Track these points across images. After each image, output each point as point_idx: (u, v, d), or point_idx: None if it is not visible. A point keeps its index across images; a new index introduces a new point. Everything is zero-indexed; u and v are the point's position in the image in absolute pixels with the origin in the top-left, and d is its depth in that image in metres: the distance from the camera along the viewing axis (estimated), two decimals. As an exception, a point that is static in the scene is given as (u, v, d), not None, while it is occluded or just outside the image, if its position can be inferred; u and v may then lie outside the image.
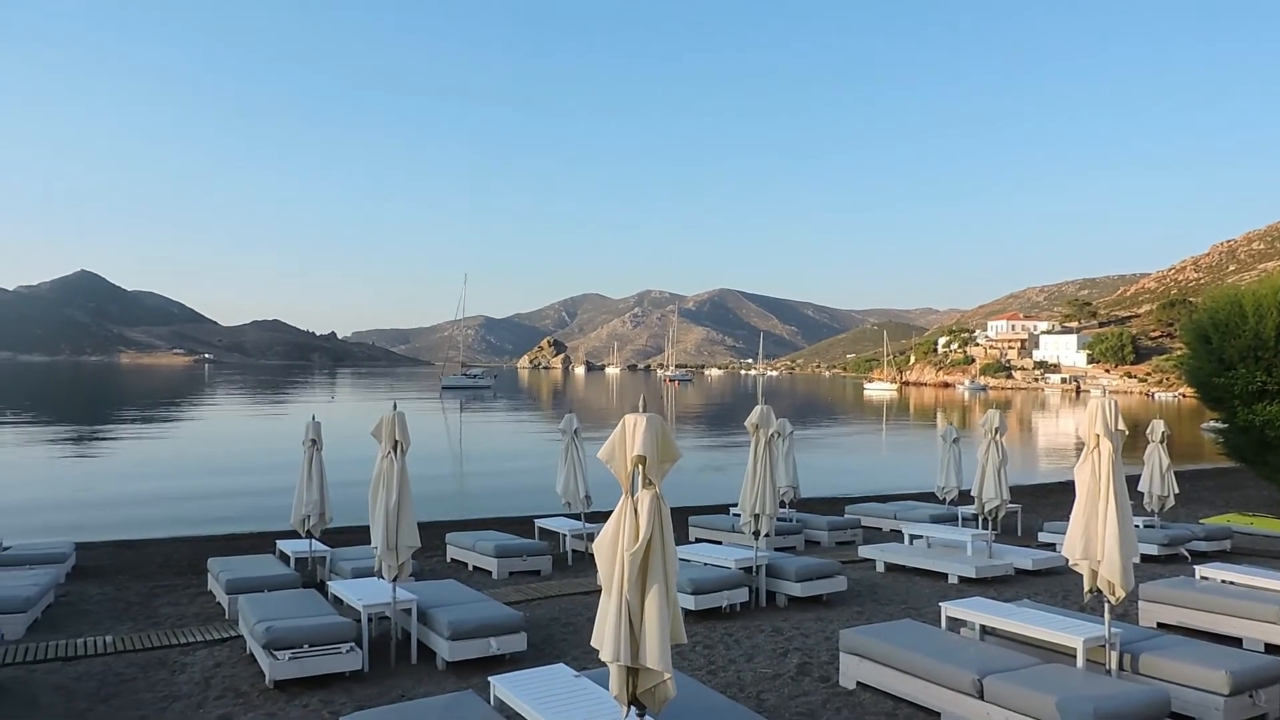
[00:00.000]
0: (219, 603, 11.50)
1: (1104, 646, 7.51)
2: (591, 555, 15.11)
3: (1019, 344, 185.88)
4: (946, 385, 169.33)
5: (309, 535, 12.50)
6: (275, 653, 8.09)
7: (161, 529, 18.16)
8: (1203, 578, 11.04)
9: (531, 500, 20.93)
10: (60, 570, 12.70)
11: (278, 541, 14.31)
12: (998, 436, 14.60)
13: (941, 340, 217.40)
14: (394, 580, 8.86)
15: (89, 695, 8.01)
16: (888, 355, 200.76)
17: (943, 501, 18.19)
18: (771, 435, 11.48)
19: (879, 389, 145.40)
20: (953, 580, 12.96)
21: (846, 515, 18.23)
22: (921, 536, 14.49)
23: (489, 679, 6.78)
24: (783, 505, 16.73)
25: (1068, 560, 7.43)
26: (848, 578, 12.22)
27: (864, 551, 14.41)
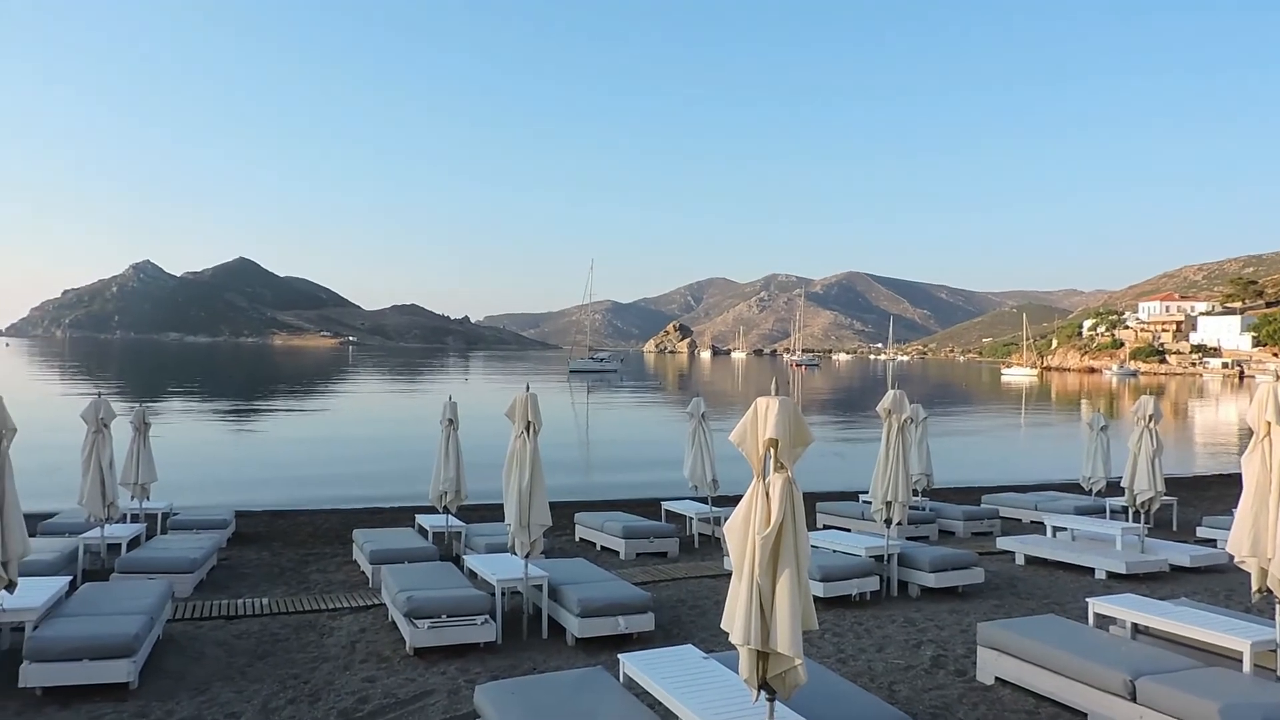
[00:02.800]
0: (363, 572, 12.09)
1: (1275, 651, 6.96)
2: (718, 539, 15.17)
3: (1174, 326, 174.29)
4: (1092, 371, 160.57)
5: (446, 511, 12.98)
6: (416, 621, 8.43)
7: (311, 500, 19.23)
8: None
9: (658, 483, 21.08)
10: (222, 535, 13.63)
11: (417, 516, 14.92)
12: (1151, 424, 13.69)
13: (1087, 323, 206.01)
14: (526, 557, 9.07)
15: (248, 652, 8.57)
16: (1027, 339, 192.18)
17: (1089, 492, 17.29)
18: (904, 421, 11.14)
19: (1018, 374, 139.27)
20: (1100, 576, 12.30)
21: (983, 505, 17.54)
22: (1066, 529, 13.79)
23: (618, 656, 6.85)
24: (915, 493, 16.25)
25: (1232, 557, 6.91)
26: (985, 570, 11.77)
27: (1002, 543, 13.84)
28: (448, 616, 8.52)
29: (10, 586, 7.39)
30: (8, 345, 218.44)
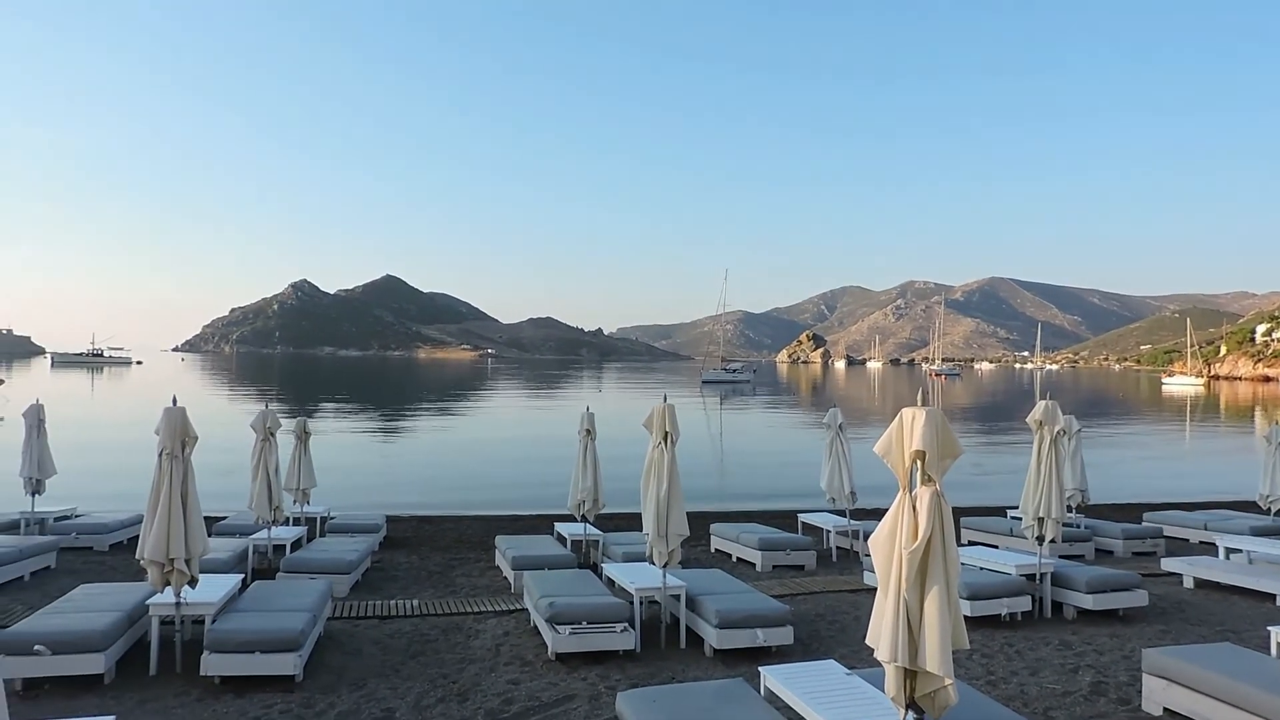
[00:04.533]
0: (505, 577, 12.46)
1: None
2: (857, 553, 14.83)
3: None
4: (1268, 380, 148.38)
5: (584, 519, 13.21)
6: (557, 627, 8.62)
7: (454, 506, 19.96)
8: None
9: (793, 495, 20.82)
10: (375, 539, 14.32)
11: (555, 524, 15.25)
12: (1341, 439, 12.56)
13: (1260, 328, 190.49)
14: (664, 566, 9.13)
15: (401, 651, 8.98)
16: (1191, 346, 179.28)
17: (1266, 512, 15.96)
18: (1057, 433, 10.63)
19: (1181, 384, 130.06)
20: (1282, 603, 11.33)
21: (1145, 523, 16.47)
22: (1241, 550, 12.79)
23: (759, 669, 6.81)
24: (1069, 509, 15.46)
25: None
26: (1149, 592, 11.05)
27: (1167, 564, 12.95)
28: (588, 623, 8.67)
29: (193, 582, 8.01)
30: (183, 360, 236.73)
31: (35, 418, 13.78)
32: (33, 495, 13.74)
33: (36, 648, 7.46)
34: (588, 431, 13.03)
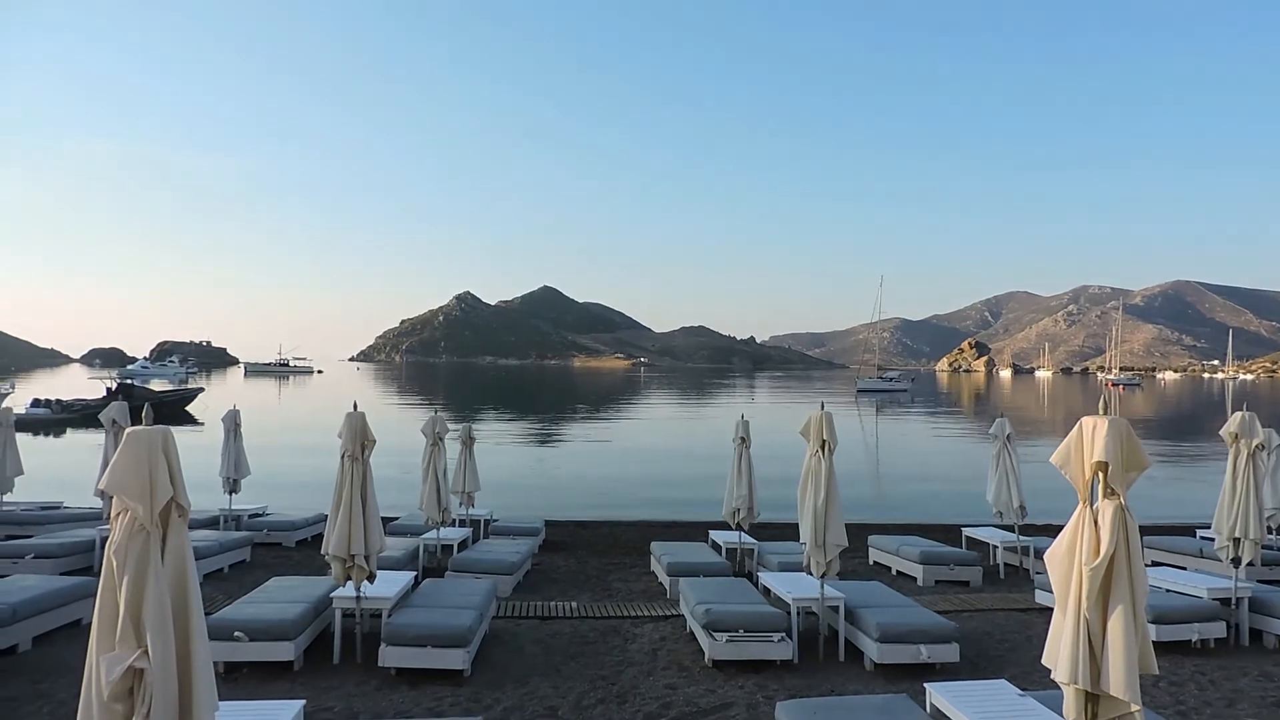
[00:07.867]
0: (660, 582, 12.57)
1: None
2: (1026, 569, 14.11)
3: None
4: None
5: (738, 527, 13.17)
6: (714, 634, 8.63)
7: (610, 512, 20.31)
8: None
9: (955, 508, 20.02)
10: (535, 542, 14.79)
11: (710, 531, 15.26)
12: None
13: None
14: (822, 577, 8.98)
15: (561, 651, 9.22)
16: None
17: None
18: (1255, 447, 9.77)
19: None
20: None
21: (1362, 548, 14.83)
22: None
23: (925, 686, 6.60)
24: (1270, 531, 14.12)
25: None
26: (1367, 624, 9.95)
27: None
28: (744, 631, 8.64)
29: (371, 578, 8.52)
30: (358, 369, 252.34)
31: (232, 422, 15.04)
32: (230, 494, 15.00)
33: (236, 634, 8.13)
34: (742, 439, 12.99)
